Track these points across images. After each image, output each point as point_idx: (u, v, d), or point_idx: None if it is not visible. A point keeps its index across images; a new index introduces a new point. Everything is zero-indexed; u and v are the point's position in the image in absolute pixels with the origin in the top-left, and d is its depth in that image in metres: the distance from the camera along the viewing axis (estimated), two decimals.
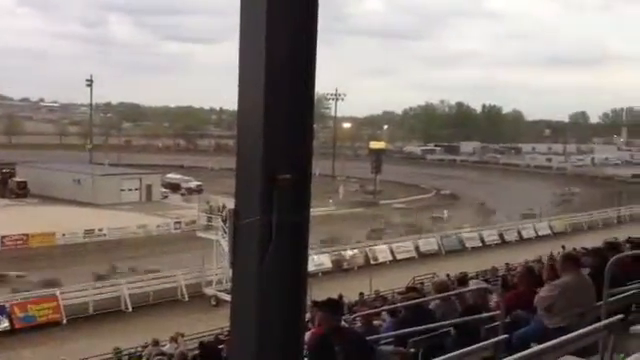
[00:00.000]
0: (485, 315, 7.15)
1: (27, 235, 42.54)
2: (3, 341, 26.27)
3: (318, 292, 14.97)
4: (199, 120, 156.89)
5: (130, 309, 30.54)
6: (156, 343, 19.12)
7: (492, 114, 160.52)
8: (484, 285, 9.69)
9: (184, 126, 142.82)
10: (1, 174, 65.50)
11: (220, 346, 14.10)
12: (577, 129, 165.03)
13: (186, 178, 76.30)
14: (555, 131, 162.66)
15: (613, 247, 8.96)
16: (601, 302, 6.11)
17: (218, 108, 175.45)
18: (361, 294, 27.32)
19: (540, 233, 52.53)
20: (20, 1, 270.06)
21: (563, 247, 28.31)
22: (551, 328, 5.82)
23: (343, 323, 6.55)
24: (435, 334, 6.50)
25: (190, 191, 70.30)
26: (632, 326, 5.68)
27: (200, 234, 35.73)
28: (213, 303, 31.85)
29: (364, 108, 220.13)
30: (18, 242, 41.78)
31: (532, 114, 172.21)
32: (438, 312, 7.38)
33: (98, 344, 24.00)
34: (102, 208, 57.29)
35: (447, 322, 6.75)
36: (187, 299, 32.81)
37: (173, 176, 76.27)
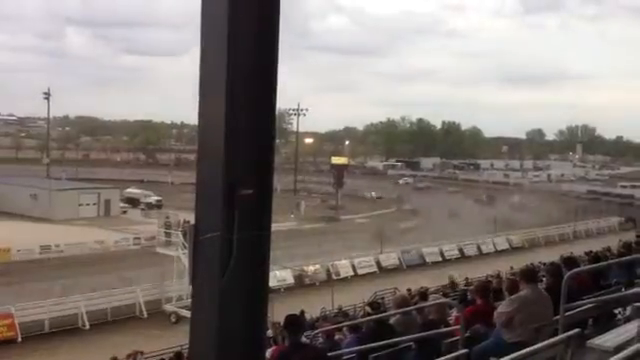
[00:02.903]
0: (445, 330, 7.20)
1: None
2: None
3: (280, 307, 14.87)
4: (159, 134, 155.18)
5: (87, 326, 29.85)
6: None
7: (452, 130, 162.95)
8: (444, 300, 9.77)
9: (144, 140, 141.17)
10: None
11: None
12: (534, 146, 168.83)
13: (146, 193, 75.33)
14: (512, 147, 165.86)
15: (570, 262, 9.13)
16: (558, 316, 6.21)
17: (179, 122, 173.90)
18: (323, 309, 27.29)
19: (499, 248, 53.32)
20: None
21: (512, 268, 28.81)
22: (510, 342, 5.89)
23: (305, 339, 6.52)
24: (396, 349, 6.51)
25: (150, 206, 69.43)
26: (589, 340, 5.79)
27: (160, 250, 35.22)
28: (173, 320, 31.36)
29: (326, 123, 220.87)
30: None
31: (490, 131, 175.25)
32: (399, 327, 7.39)
33: None
34: (59, 223, 56.14)
35: (408, 337, 6.77)
36: (146, 316, 32.24)
37: (132, 191, 75.22)
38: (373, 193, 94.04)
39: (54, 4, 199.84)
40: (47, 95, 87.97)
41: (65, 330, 29.12)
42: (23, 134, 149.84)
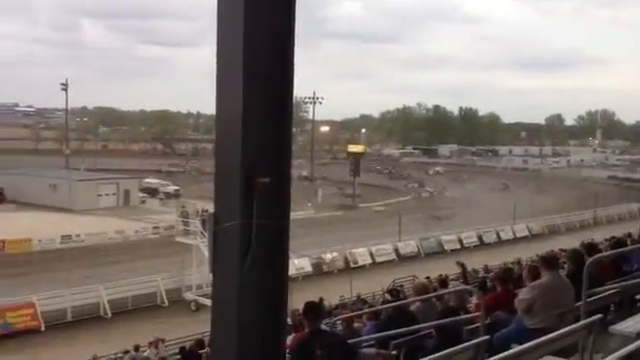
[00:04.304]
0: (465, 317, 7.19)
1: (3, 241, 41.97)
2: None
3: (298, 295, 14.92)
4: (176, 124, 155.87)
5: (109, 315, 30.22)
6: (137, 349, 18.95)
7: (469, 117, 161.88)
8: (464, 287, 9.74)
9: (161, 130, 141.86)
10: None
11: (201, 351, 14.01)
12: (553, 131, 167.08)
13: (164, 182, 75.76)
14: (531, 133, 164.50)
15: (591, 248, 9.05)
16: (580, 302, 6.17)
17: (195, 112, 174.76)
18: (341, 297, 27.37)
19: (518, 235, 53.03)
20: None
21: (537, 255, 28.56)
22: (531, 329, 5.86)
23: (324, 326, 6.54)
24: (416, 336, 6.51)
25: (168, 196, 69.82)
26: (611, 326, 5.74)
27: (179, 239, 35.46)
28: (193, 308, 31.64)
29: (342, 111, 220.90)
30: None
31: (508, 117, 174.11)
32: (419, 314, 7.39)
33: (77, 351, 23.66)
34: (79, 213, 56.70)
35: (428, 324, 6.76)
36: (167, 304, 32.55)
37: (151, 181, 75.68)
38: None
39: None
40: (65, 86, 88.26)
41: (87, 319, 29.53)
42: (42, 125, 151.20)
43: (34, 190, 62.72)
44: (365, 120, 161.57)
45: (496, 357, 4.30)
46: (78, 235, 45.52)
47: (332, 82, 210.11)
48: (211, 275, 3.44)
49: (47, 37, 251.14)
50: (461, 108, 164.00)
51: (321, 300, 19.07)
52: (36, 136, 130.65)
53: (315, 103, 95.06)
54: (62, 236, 44.68)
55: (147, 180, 75.27)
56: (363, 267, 40.95)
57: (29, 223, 48.80)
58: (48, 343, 26.71)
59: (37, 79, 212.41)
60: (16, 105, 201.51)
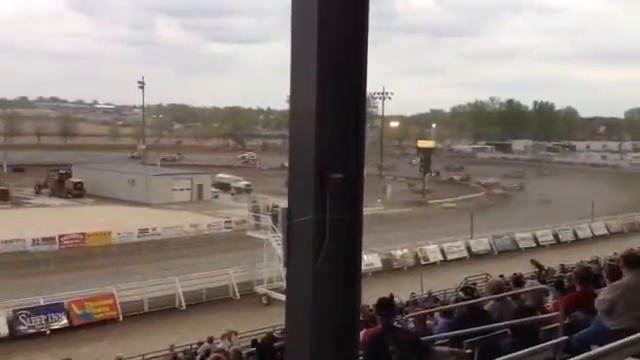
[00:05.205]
0: (542, 317, 7.00)
1: (84, 234, 43.69)
2: (62, 338, 27.03)
3: (368, 291, 14.89)
4: (247, 120, 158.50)
5: (184, 306, 31.05)
6: (211, 340, 19.38)
7: (544, 111, 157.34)
8: (540, 286, 9.49)
9: (233, 126, 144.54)
10: (58, 175, 67.51)
11: (274, 344, 14.16)
12: (633, 126, 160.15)
13: (236, 178, 77.12)
14: (610, 128, 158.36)
15: None
16: None
17: (266, 108, 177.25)
18: (412, 294, 27.15)
19: (596, 233, 51.23)
20: (71, 6, 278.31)
21: (615, 253, 27.42)
22: (612, 330, 5.65)
23: (396, 323, 6.50)
24: (491, 335, 6.39)
25: (239, 191, 71.10)
26: None
27: (250, 233, 36.03)
28: (264, 302, 32.08)
29: (412, 106, 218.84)
30: (75, 241, 42.95)
31: (586, 111, 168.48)
32: (494, 313, 7.26)
33: (154, 341, 24.47)
34: (155, 207, 58.51)
35: (504, 323, 6.63)
36: (239, 297, 33.13)
37: (223, 176, 77.22)
38: (457, 176, 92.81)
39: None
40: (142, 84, 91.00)
41: (163, 310, 30.41)
42: (120, 122, 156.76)
43: (112, 185, 65.09)
44: (436, 115, 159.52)
45: (576, 358, 4.17)
46: (154, 229, 46.94)
47: (402, 77, 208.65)
48: (285, 269, 3.47)
49: (125, 36, 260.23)
50: (536, 102, 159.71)
51: (391, 296, 18.99)
52: (114, 132, 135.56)
53: (384, 98, 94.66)
54: (139, 229, 46.15)
55: (219, 175, 76.86)
56: (434, 264, 40.49)
57: (108, 217, 50.71)
58: (126, 333, 27.69)
59: (115, 77, 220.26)
60: (96, 102, 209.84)
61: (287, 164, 3.49)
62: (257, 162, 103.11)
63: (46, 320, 27.64)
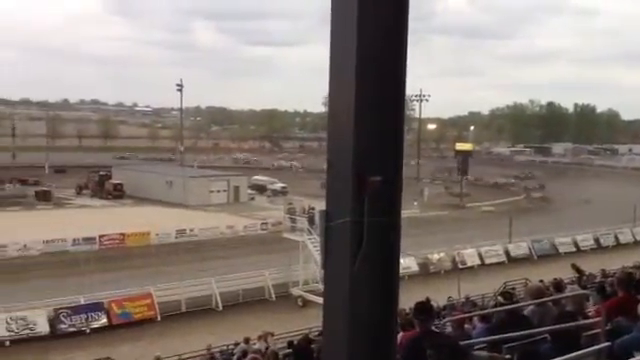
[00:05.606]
0: (583, 322, 6.86)
1: (123, 235, 44.41)
2: (102, 337, 27.52)
3: (405, 295, 14.81)
4: (284, 123, 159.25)
5: (220, 307, 31.31)
6: (247, 341, 19.50)
7: (585, 113, 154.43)
8: (581, 291, 9.31)
9: (269, 129, 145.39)
10: (98, 176, 68.81)
11: (311, 345, 14.15)
12: None
13: (272, 180, 77.48)
14: None
15: None
16: None
17: (302, 110, 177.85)
18: (450, 298, 26.89)
19: (638, 238, 50.08)
20: (110, 10, 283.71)
21: None
22: None
23: (434, 327, 6.45)
24: (530, 340, 6.29)
25: (275, 193, 71.40)
26: None
27: (286, 235, 36.16)
28: (300, 303, 32.15)
29: (449, 109, 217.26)
30: (115, 241, 43.69)
31: (629, 114, 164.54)
32: (534, 318, 7.14)
33: (191, 341, 24.73)
34: (192, 209, 59.19)
35: (544, 328, 6.52)
36: (274, 299, 33.28)
37: (259, 178, 77.66)
38: (498, 180, 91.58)
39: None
40: (180, 87, 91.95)
41: (200, 310, 30.72)
42: (159, 125, 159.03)
43: (151, 186, 66.02)
44: (474, 117, 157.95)
45: None
46: (192, 230, 47.48)
47: (439, 79, 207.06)
48: (322, 270, 3.47)
49: (163, 39, 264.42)
50: (576, 104, 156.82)
51: (428, 300, 18.84)
52: (153, 135, 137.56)
53: (421, 101, 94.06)
54: (177, 230, 46.76)
55: (256, 177, 77.33)
56: (471, 268, 40.08)
57: (147, 218, 51.46)
58: (164, 333, 28.05)
59: (153, 80, 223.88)
60: (135, 105, 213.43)
61: (325, 166, 3.48)
62: (292, 164, 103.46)
63: (86, 319, 28.18)
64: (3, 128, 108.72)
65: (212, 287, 31.73)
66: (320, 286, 29.16)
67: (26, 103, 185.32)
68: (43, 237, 41.64)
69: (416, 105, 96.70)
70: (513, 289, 22.78)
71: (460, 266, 38.93)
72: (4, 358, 25.35)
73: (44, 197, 63.16)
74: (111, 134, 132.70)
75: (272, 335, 20.28)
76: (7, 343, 26.31)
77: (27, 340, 26.56)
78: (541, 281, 16.05)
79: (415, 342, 5.25)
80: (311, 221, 32.78)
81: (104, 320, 28.61)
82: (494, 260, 42.10)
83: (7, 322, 26.66)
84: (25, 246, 40.46)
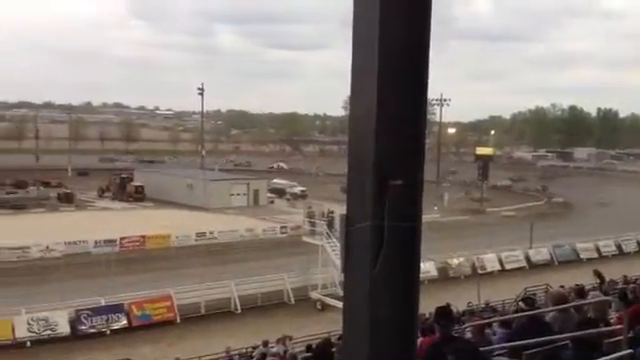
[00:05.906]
0: (606, 329, 6.78)
1: (144, 237, 44.75)
2: (122, 338, 27.74)
3: (426, 301, 14.73)
4: (304, 126, 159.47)
5: (239, 310, 31.39)
6: (266, 344, 19.53)
7: (608, 118, 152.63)
8: (603, 298, 9.20)
9: (289, 132, 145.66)
10: (120, 179, 69.41)
11: (331, 349, 14.12)
12: None
13: (291, 183, 77.60)
14: None
15: None
16: None
17: (322, 114, 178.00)
18: (469, 303, 26.70)
19: None
20: (132, 14, 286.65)
21: None
22: None
23: (454, 333, 6.41)
24: (551, 347, 6.22)
25: (295, 196, 71.52)
26: None
27: (305, 239, 36.19)
28: (319, 307, 32.13)
29: (470, 113, 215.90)
30: (135, 243, 44.03)
31: None
32: (555, 324, 7.07)
33: (210, 343, 24.83)
34: (212, 212, 59.44)
35: (567, 335, 6.45)
36: (293, 302, 33.30)
37: (279, 181, 77.84)
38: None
39: (203, 3, 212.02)
40: (201, 90, 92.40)
41: (219, 313, 30.84)
42: (180, 128, 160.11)
43: (172, 189, 66.45)
44: (494, 122, 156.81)
45: None
46: (212, 232, 47.71)
47: (460, 83, 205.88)
48: (342, 274, 3.46)
49: (184, 43, 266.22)
50: (599, 109, 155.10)
51: (448, 305, 18.73)
52: (175, 138, 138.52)
53: (442, 105, 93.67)
54: (197, 233, 46.99)
55: (275, 181, 77.52)
56: (491, 273, 39.81)
57: (167, 220, 51.78)
58: (183, 335, 28.18)
59: (175, 83, 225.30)
60: (157, 108, 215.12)
61: (345, 170, 3.49)
62: (312, 167, 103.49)
63: (106, 320, 28.42)
64: (27, 131, 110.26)
65: (231, 290, 31.83)
66: (339, 290, 29.14)
67: (49, 106, 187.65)
68: (65, 238, 42.10)
69: (436, 109, 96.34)
70: (534, 295, 22.57)
71: (480, 271, 38.66)
72: (31, 358, 25.66)
73: (67, 199, 63.88)
74: (133, 137, 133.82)
75: (290, 338, 20.30)
76: (28, 344, 26.63)
77: (48, 341, 26.84)
78: (562, 287, 15.90)
79: (436, 347, 5.22)
80: (330, 225, 32.78)
81: (124, 321, 28.81)
82: (514, 265, 41.78)
83: (28, 323, 27.00)
84: (47, 248, 40.91)
